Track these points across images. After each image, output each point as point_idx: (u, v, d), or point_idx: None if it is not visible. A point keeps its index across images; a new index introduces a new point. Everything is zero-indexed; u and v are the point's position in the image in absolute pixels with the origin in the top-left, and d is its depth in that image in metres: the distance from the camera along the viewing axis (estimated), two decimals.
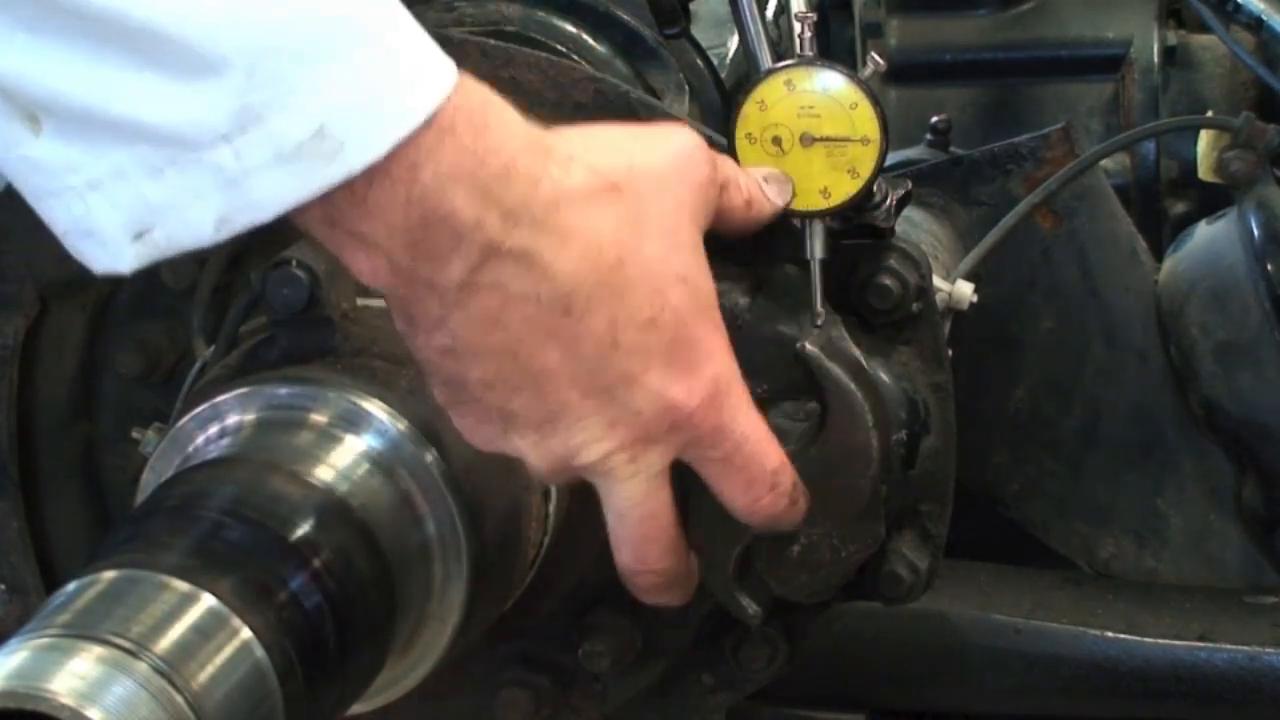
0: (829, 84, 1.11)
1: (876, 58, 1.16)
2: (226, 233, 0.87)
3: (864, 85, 1.11)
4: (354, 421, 1.09)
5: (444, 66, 0.90)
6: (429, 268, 0.91)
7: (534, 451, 1.00)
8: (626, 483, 1.02)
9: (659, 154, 1.01)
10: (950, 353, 1.23)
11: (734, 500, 1.06)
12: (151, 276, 1.31)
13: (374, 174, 0.87)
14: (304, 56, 0.85)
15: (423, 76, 0.89)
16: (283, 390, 1.10)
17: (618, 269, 0.96)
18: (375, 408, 1.09)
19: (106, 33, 0.83)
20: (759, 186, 1.09)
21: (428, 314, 0.94)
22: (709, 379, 1.00)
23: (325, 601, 0.98)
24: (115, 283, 1.35)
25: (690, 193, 1.02)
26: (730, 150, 1.12)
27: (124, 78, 0.84)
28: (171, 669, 0.88)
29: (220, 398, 1.10)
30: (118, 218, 0.87)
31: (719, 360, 1.01)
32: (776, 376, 1.14)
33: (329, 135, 0.85)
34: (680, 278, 0.99)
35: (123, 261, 0.89)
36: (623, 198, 0.97)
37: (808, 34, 1.13)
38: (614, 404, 0.98)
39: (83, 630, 0.88)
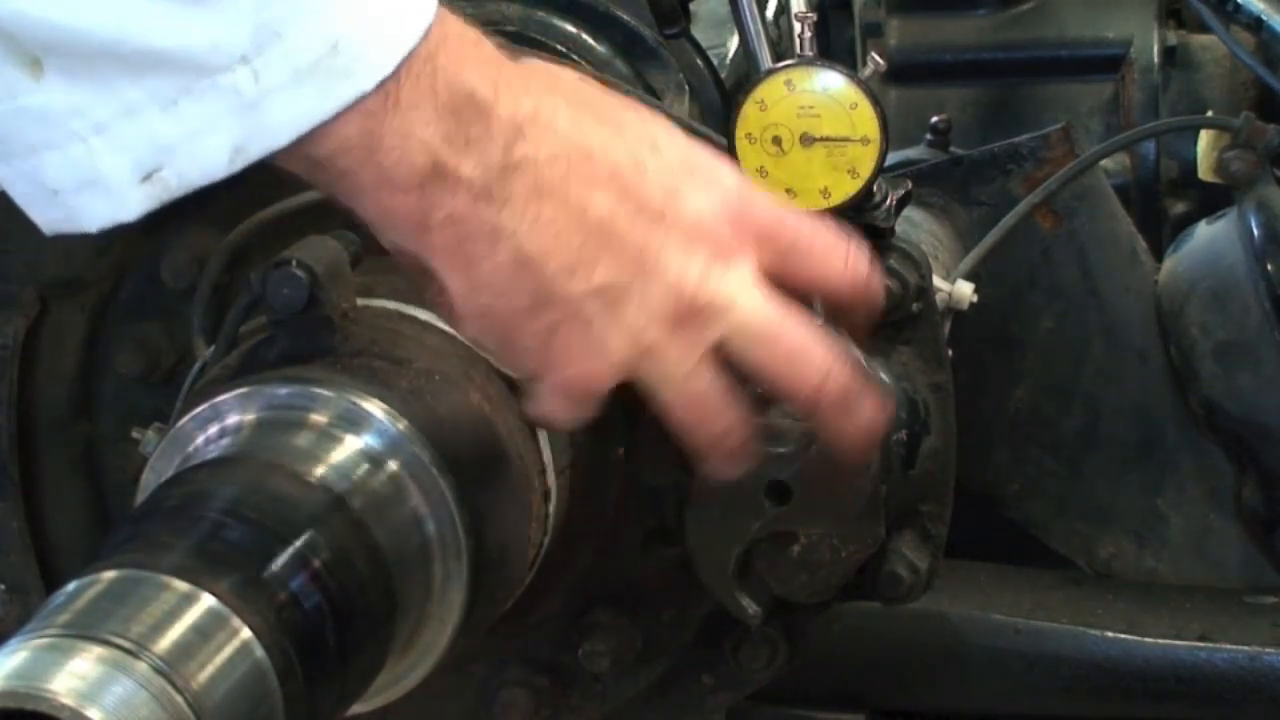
0: (829, 84, 1.11)
1: (876, 58, 1.16)
2: (240, 163, 0.86)
3: (864, 85, 1.11)
4: (354, 421, 1.09)
5: None
6: (471, 160, 0.91)
7: (646, 314, 0.96)
8: (744, 294, 0.98)
9: None
10: (950, 353, 1.23)
11: (831, 272, 1.03)
12: (151, 276, 1.31)
13: (400, 74, 0.88)
14: None
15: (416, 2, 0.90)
16: (283, 390, 1.10)
17: (601, 110, 0.98)
18: (375, 408, 1.09)
19: None
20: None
21: (481, 227, 0.93)
22: (733, 182, 1.01)
23: (325, 601, 0.98)
24: (115, 283, 1.35)
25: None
26: (730, 150, 1.12)
27: (140, 5, 0.83)
28: (171, 669, 0.88)
29: (220, 398, 1.10)
30: (125, 160, 0.86)
31: (728, 165, 1.02)
32: None
33: (342, 51, 0.86)
34: (650, 119, 1.01)
35: (128, 208, 0.87)
36: (563, 71, 1.00)
37: (808, 34, 1.13)
38: (677, 222, 0.97)
39: (83, 630, 0.88)
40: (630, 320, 0.96)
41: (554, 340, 0.96)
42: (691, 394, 0.99)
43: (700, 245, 0.98)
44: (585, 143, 0.96)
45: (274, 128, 0.86)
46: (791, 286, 1.01)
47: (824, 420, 1.02)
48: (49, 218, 0.89)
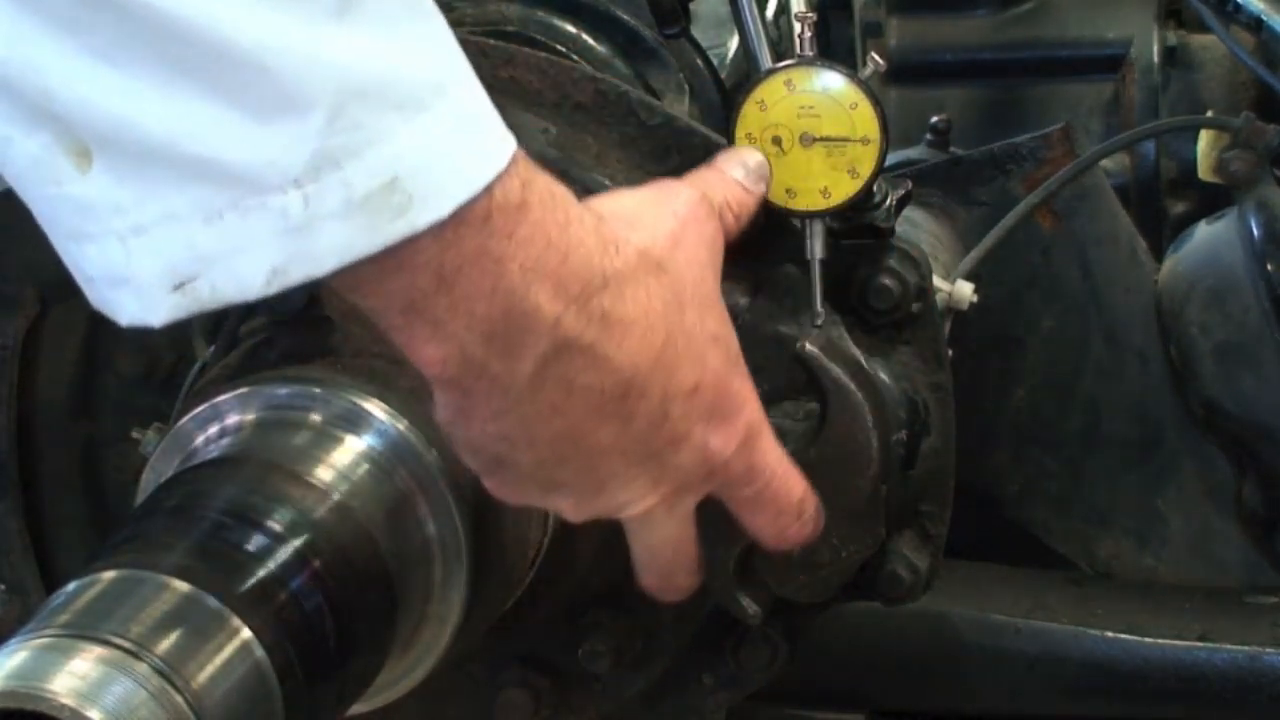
0: (829, 84, 1.11)
1: (876, 58, 1.16)
2: (278, 286, 0.84)
3: (864, 85, 1.11)
4: (354, 421, 1.09)
5: (508, 136, 0.88)
6: (501, 363, 0.90)
7: (573, 509, 1.02)
8: (661, 527, 1.06)
9: (676, 217, 1.03)
10: (950, 353, 1.23)
11: (763, 531, 1.09)
12: None
13: (462, 263, 0.86)
14: (389, 104, 0.82)
15: (492, 142, 0.87)
16: (283, 390, 1.10)
17: (668, 347, 0.97)
18: (375, 408, 1.09)
19: (194, 62, 0.79)
20: (740, 189, 1.10)
21: (489, 407, 0.93)
22: (743, 426, 1.03)
23: (325, 601, 0.98)
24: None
25: (707, 249, 1.04)
26: None
27: (203, 111, 0.80)
28: (171, 669, 0.88)
29: (220, 398, 1.10)
30: (159, 266, 0.83)
31: (750, 406, 1.04)
32: (776, 376, 1.14)
33: (399, 189, 0.83)
34: (714, 338, 1.01)
35: (156, 313, 0.85)
36: (665, 273, 0.98)
37: (808, 34, 1.13)
38: (659, 465, 1.00)
39: (83, 630, 0.88)
40: (556, 504, 1.02)
41: (485, 473, 1.00)
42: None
43: (664, 488, 1.02)
44: (628, 384, 0.95)
45: (317, 255, 0.83)
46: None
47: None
48: (89, 297, 0.88)
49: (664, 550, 1.09)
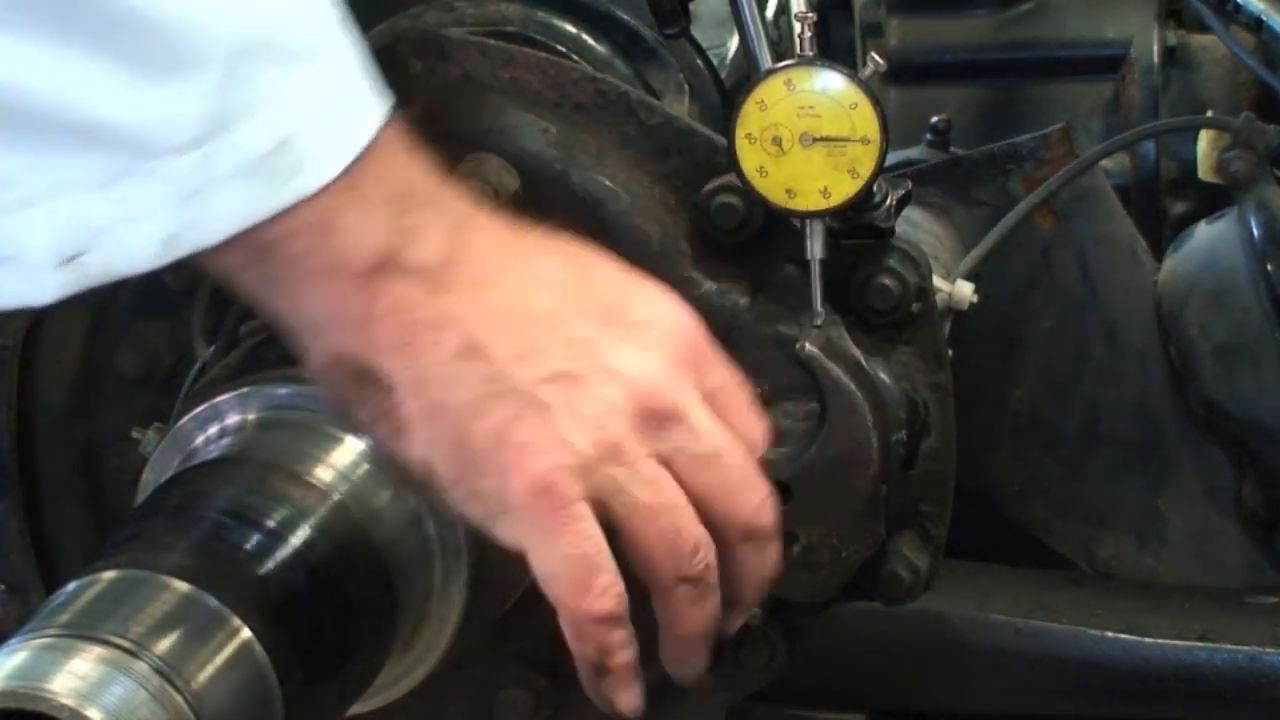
0: (829, 84, 1.11)
1: (876, 58, 1.16)
2: (169, 257, 0.83)
3: (864, 85, 1.11)
4: None
5: (379, 90, 0.89)
6: (417, 248, 0.90)
7: (605, 406, 0.93)
8: (697, 408, 0.98)
9: None
10: (950, 353, 1.23)
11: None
12: (152, 276, 1.30)
13: (350, 166, 0.86)
14: (279, 60, 0.82)
15: (371, 94, 0.88)
16: (283, 390, 1.10)
17: (528, 238, 0.98)
18: None
19: (85, 23, 0.78)
20: None
21: (427, 313, 0.91)
22: (678, 306, 1.01)
23: (325, 602, 0.98)
24: (116, 283, 1.35)
25: None
26: (730, 150, 1.12)
27: (96, 74, 0.79)
28: (171, 669, 0.88)
29: (220, 398, 1.10)
30: (49, 239, 0.82)
31: (671, 293, 1.03)
32: (776, 376, 1.14)
33: (291, 149, 0.82)
34: (574, 251, 1.01)
35: (43, 292, 0.84)
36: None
37: (808, 34, 1.13)
38: (631, 324, 0.96)
39: (83, 630, 0.88)
40: (590, 411, 0.93)
41: (511, 436, 0.92)
42: (660, 504, 0.96)
43: (655, 349, 0.96)
44: (524, 245, 0.95)
45: (212, 221, 0.82)
46: None
47: (732, 552, 1.02)
48: None
49: (659, 521, 0.97)
